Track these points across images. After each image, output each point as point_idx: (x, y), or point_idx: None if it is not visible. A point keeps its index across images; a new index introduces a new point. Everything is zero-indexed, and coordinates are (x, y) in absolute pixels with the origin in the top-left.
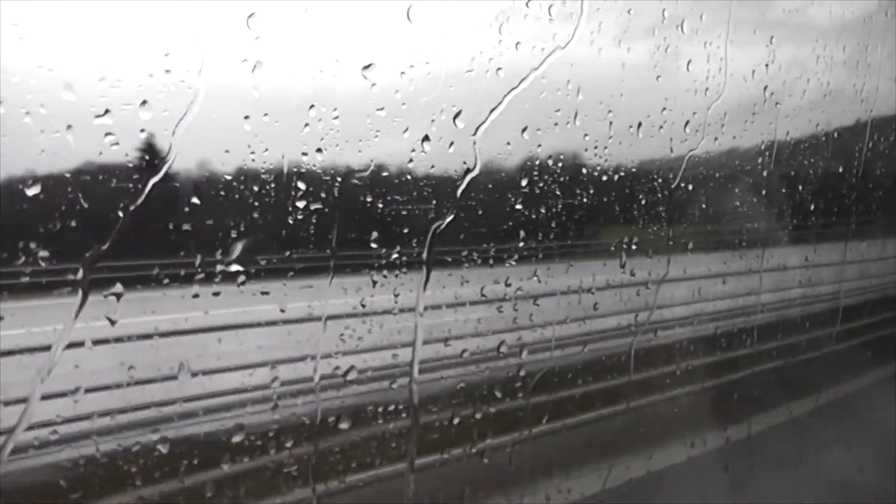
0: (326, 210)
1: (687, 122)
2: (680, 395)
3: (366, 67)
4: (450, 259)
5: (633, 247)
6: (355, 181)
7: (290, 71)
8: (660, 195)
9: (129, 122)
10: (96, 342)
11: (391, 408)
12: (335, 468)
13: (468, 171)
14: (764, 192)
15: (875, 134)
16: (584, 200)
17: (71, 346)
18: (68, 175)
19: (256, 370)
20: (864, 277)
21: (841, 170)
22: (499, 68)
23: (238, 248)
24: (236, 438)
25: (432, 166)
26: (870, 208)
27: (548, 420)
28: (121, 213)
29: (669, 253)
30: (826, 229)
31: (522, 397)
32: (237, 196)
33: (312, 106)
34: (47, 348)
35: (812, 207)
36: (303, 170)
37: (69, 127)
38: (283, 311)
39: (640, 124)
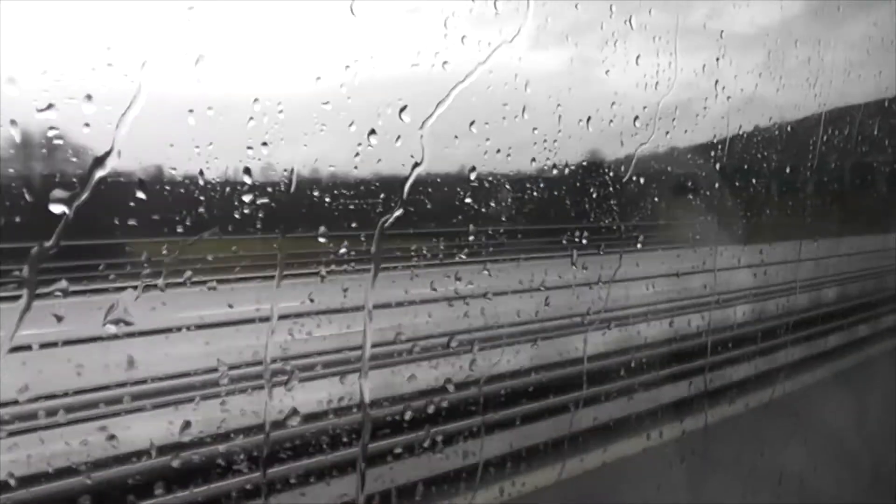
0: (273, 204)
1: (637, 117)
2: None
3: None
4: (399, 253)
5: (584, 241)
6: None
7: (234, 65)
8: (610, 189)
9: (73, 117)
10: (42, 339)
11: (342, 404)
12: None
13: (416, 165)
14: (717, 185)
15: (829, 127)
16: (534, 194)
17: (17, 347)
18: (12, 170)
19: (205, 366)
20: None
21: (795, 163)
22: (445, 62)
23: (184, 243)
24: (185, 438)
25: (379, 160)
26: (825, 201)
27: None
28: (66, 209)
29: (620, 248)
30: (780, 222)
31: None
32: (182, 190)
33: (257, 99)
34: None
35: (765, 200)
36: (248, 164)
37: (12, 122)
38: (230, 306)
39: (589, 118)
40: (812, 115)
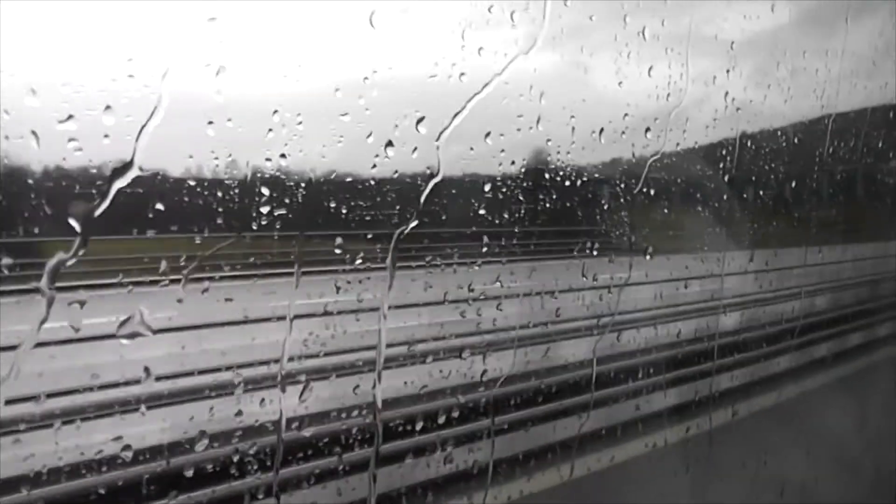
0: (290, 215)
1: (648, 128)
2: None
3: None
4: (414, 264)
5: (595, 252)
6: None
7: (254, 76)
8: (622, 199)
9: (93, 128)
10: (60, 346)
11: (354, 410)
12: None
13: (431, 176)
14: (725, 196)
15: (835, 139)
16: (546, 205)
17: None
18: (31, 181)
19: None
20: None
21: (801, 173)
22: (462, 74)
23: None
24: (199, 445)
25: (396, 172)
26: (829, 211)
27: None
28: (85, 220)
29: (631, 257)
30: (786, 232)
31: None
32: (201, 202)
33: (276, 111)
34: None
35: (772, 210)
36: (266, 175)
37: (33, 132)
38: (246, 316)
39: (602, 129)
40: (819, 125)
